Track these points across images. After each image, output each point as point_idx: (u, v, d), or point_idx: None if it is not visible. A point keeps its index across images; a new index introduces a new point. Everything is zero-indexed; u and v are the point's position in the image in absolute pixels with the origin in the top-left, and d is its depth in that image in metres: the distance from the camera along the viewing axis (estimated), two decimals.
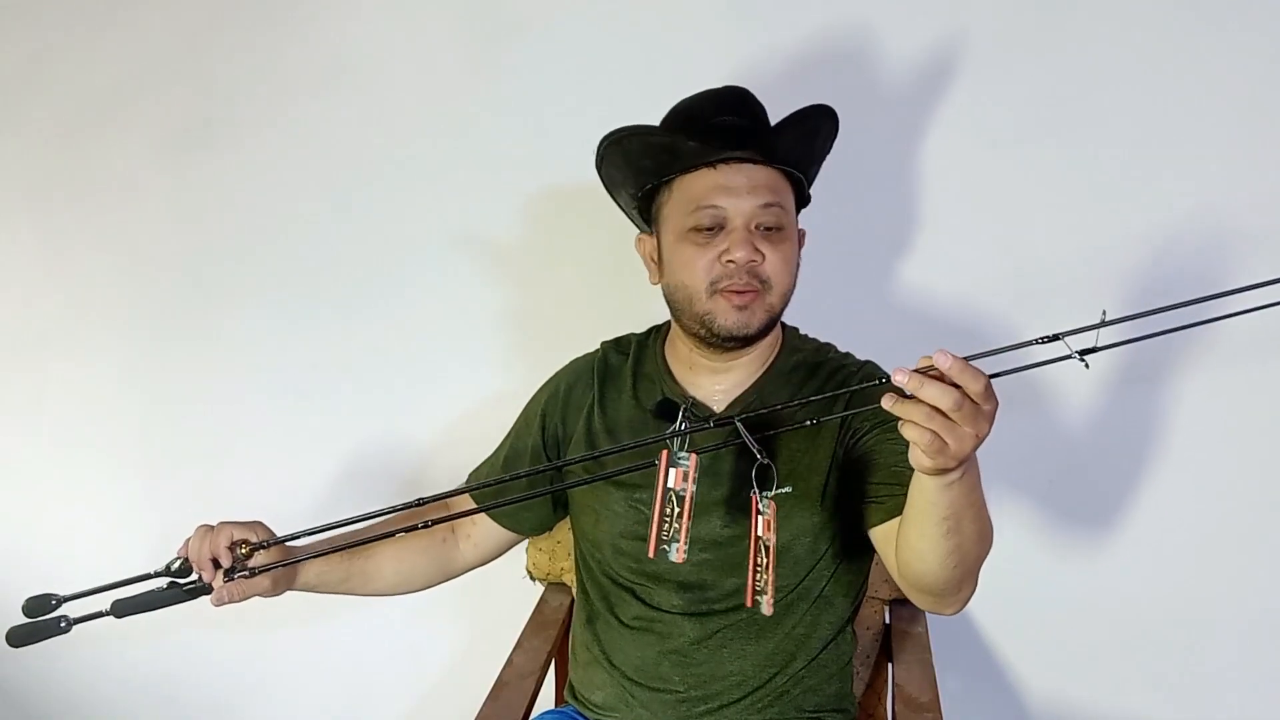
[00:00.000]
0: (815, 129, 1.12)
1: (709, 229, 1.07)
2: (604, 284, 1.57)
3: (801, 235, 1.15)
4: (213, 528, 1.00)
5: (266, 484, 1.76)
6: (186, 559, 1.00)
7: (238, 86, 1.66)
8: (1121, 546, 1.53)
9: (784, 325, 1.21)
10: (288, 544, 1.03)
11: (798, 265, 1.12)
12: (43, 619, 1.00)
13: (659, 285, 1.16)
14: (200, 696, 1.87)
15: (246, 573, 0.98)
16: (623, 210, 1.21)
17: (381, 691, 1.83)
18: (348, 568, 1.15)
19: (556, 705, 1.30)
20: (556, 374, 1.28)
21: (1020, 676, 1.62)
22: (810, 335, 1.24)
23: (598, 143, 1.13)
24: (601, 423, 1.19)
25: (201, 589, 0.99)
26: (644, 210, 1.16)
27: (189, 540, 1.01)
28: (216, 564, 0.99)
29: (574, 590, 1.43)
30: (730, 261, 1.06)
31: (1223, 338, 1.43)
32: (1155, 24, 1.40)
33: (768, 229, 1.07)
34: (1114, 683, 1.59)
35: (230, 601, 0.99)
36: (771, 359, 1.17)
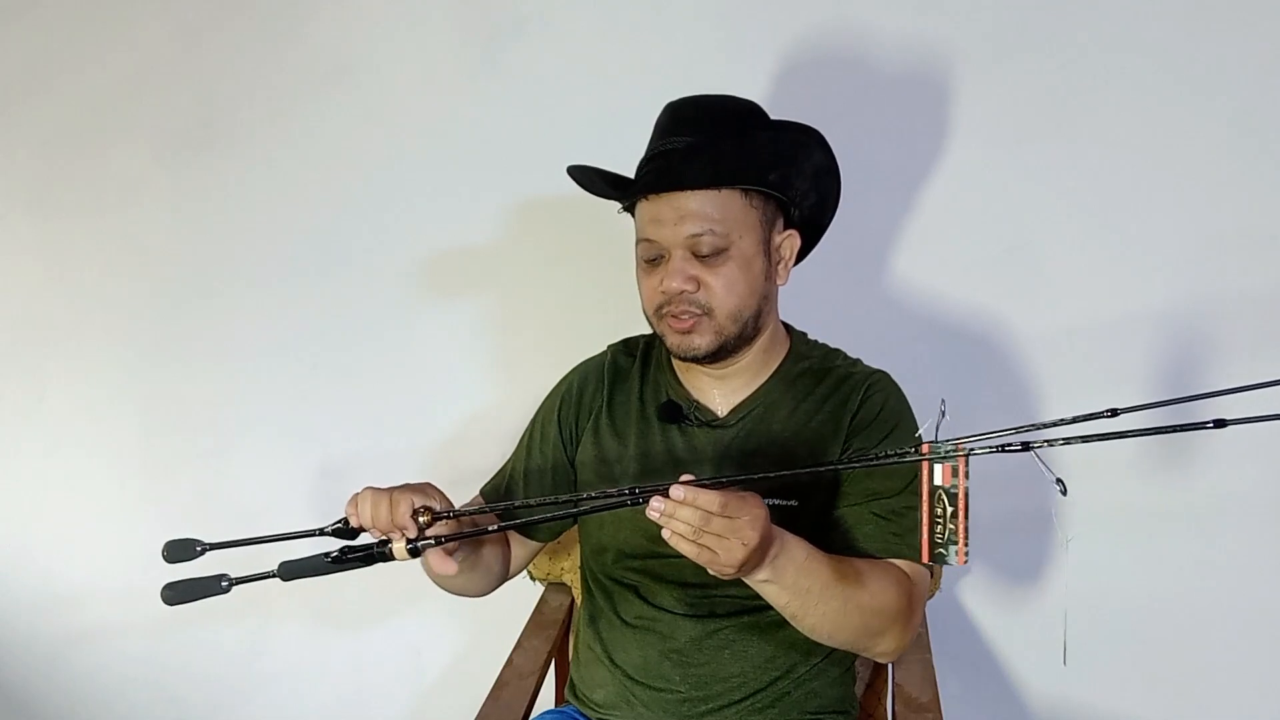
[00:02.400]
0: (748, 140, 1.08)
1: (651, 260, 1.09)
2: (606, 285, 1.57)
3: (788, 243, 1.11)
4: (387, 493, 0.94)
5: (265, 485, 1.76)
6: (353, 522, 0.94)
7: (238, 89, 1.66)
8: (1121, 546, 1.53)
9: (791, 331, 1.21)
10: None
11: (766, 277, 1.09)
12: (203, 577, 0.92)
13: None
14: (200, 696, 1.87)
15: (432, 541, 0.92)
16: None
17: (381, 691, 1.83)
18: (476, 549, 1.11)
19: (556, 705, 1.30)
20: (565, 377, 1.28)
21: (1020, 676, 1.62)
22: (817, 339, 1.22)
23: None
24: (609, 425, 1.19)
25: (379, 556, 0.92)
26: None
27: (356, 503, 0.95)
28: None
29: (576, 589, 1.44)
30: (664, 291, 1.07)
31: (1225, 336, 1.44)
32: (1156, 24, 1.40)
33: (705, 255, 1.05)
34: (1114, 683, 1.58)
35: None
36: (776, 366, 1.16)
